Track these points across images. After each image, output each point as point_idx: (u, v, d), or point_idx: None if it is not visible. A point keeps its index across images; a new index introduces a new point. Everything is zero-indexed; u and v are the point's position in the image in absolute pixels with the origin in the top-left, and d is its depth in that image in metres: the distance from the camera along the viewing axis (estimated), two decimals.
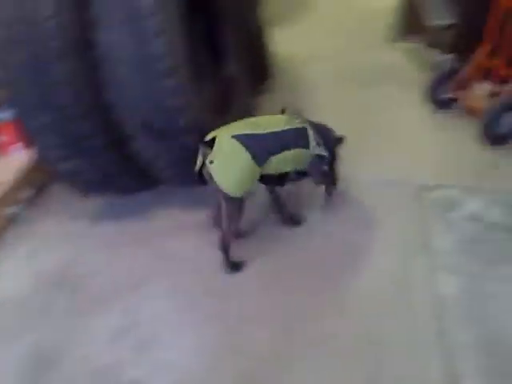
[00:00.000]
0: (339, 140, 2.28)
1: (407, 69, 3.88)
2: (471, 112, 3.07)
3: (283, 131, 2.02)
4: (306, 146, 2.09)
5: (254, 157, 1.91)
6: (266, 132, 1.97)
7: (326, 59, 3.85)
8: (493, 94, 2.99)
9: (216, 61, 2.81)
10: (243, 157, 1.90)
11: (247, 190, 1.96)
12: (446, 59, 3.52)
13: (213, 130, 1.98)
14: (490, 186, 2.56)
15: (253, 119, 2.09)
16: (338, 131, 2.29)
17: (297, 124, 2.08)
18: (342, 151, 2.32)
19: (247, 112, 2.86)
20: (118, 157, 2.21)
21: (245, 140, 1.91)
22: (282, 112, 2.18)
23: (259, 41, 3.29)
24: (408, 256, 2.16)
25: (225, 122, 2.50)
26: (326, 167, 2.25)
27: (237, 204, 1.98)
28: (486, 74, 3.07)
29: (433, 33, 3.92)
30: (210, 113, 2.34)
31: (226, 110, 2.69)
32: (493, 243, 2.19)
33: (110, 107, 2.04)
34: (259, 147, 1.94)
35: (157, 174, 2.32)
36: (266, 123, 2.03)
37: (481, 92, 3.10)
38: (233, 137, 1.91)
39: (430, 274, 2.05)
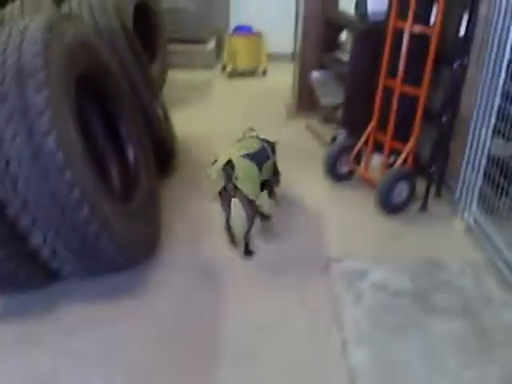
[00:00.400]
0: (275, 144, 2.92)
1: (306, 144, 4.06)
2: (368, 183, 3.24)
3: (260, 148, 2.68)
4: (272, 157, 2.79)
5: (259, 169, 2.55)
6: (253, 151, 2.59)
7: (228, 137, 3.94)
8: (386, 166, 3.18)
9: (118, 146, 2.79)
10: (255, 170, 2.53)
11: (260, 193, 2.60)
12: (341, 134, 3.73)
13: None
14: (393, 255, 2.67)
15: (237, 144, 2.70)
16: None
17: (261, 142, 2.75)
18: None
19: (152, 194, 2.85)
20: (15, 253, 2.07)
21: (250, 158, 2.52)
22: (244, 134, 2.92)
23: (160, 123, 3.32)
24: (319, 329, 2.16)
25: (129, 209, 2.48)
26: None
27: (254, 205, 2.56)
28: (379, 147, 3.27)
29: (326, 110, 4.17)
30: (113, 200, 2.29)
31: (130, 194, 2.64)
32: (400, 311, 2.26)
33: (4, 204, 1.93)
34: (257, 161, 2.55)
35: (58, 268, 2.19)
36: (247, 145, 2.67)
37: (374, 164, 3.30)
38: (242, 157, 2.48)
39: (342, 346, 2.06)
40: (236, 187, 2.42)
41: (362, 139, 3.26)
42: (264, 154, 2.69)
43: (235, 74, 5.81)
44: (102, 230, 2.04)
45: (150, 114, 3.09)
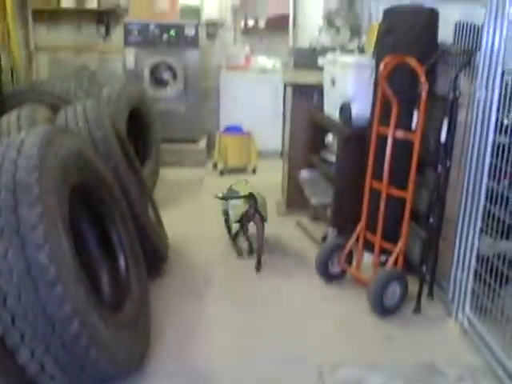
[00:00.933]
0: None
1: (296, 241, 4.08)
2: (360, 283, 3.23)
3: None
4: None
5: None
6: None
7: (218, 239, 3.97)
8: (377, 265, 3.19)
9: (110, 253, 2.78)
10: (265, 201, 3.65)
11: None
12: (331, 233, 3.76)
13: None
14: (389, 359, 2.61)
15: (245, 186, 3.64)
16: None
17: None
18: None
19: (143, 301, 2.80)
20: (3, 371, 2.00)
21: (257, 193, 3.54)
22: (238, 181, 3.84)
23: (153, 229, 3.34)
24: None
25: (120, 318, 2.43)
26: None
27: (264, 225, 3.54)
28: (369, 246, 3.29)
29: (315, 208, 4.24)
30: (104, 311, 2.25)
31: (121, 302, 2.60)
32: None
33: None
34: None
35: (45, 383, 2.12)
36: (248, 186, 3.67)
37: (366, 263, 3.30)
38: (257, 192, 3.49)
39: None
40: (256, 211, 3.43)
41: (353, 239, 3.29)
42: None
43: (226, 172, 5.94)
44: (91, 345, 1.99)
45: (142, 221, 3.12)
